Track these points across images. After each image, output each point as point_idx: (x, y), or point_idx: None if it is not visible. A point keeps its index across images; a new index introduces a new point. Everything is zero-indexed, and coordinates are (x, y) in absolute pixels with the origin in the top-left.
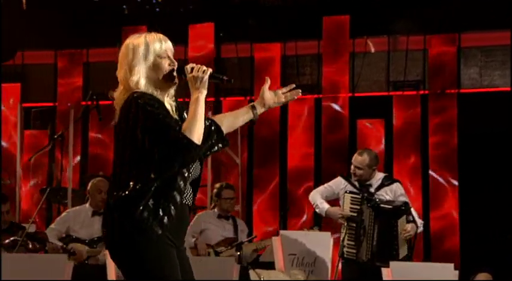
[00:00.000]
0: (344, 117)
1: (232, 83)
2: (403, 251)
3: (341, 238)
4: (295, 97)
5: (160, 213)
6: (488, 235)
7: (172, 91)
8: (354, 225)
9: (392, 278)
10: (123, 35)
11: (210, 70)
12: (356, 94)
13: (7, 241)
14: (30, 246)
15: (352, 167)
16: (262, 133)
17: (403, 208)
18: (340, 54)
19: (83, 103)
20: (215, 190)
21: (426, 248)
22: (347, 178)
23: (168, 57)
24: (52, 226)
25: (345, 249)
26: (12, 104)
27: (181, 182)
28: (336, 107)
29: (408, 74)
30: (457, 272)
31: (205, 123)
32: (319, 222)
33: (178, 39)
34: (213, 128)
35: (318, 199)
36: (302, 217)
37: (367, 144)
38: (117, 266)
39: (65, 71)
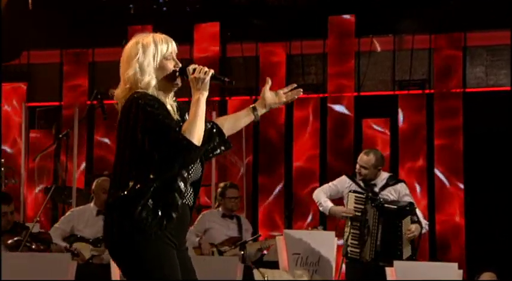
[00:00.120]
0: (349, 117)
1: (233, 84)
2: (407, 251)
3: (344, 238)
4: (296, 97)
5: (160, 213)
6: (494, 235)
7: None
8: (358, 224)
9: (396, 277)
10: (129, 35)
11: (212, 71)
12: (361, 93)
13: (10, 241)
14: (34, 247)
15: (357, 166)
16: (268, 134)
17: (408, 208)
18: (345, 53)
19: (89, 103)
20: (219, 189)
21: (432, 249)
22: (352, 177)
23: (173, 58)
24: (56, 225)
25: (349, 248)
26: (18, 103)
27: (181, 183)
28: (341, 107)
29: (414, 74)
30: (461, 271)
31: (206, 126)
32: (324, 224)
33: (184, 38)
34: (214, 130)
35: (322, 197)
36: (307, 219)
37: (373, 144)
38: (117, 265)
39: (70, 71)
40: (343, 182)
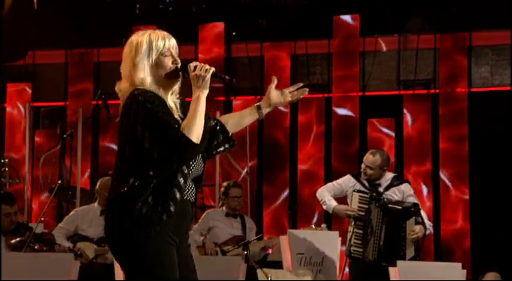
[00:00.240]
0: (354, 119)
1: (233, 83)
2: (410, 252)
3: (348, 237)
4: (301, 96)
5: (159, 209)
6: (498, 235)
7: (176, 88)
8: (361, 224)
9: (399, 277)
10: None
11: (213, 69)
12: (366, 93)
13: (13, 241)
14: (37, 247)
15: (363, 166)
16: (272, 138)
17: (413, 209)
18: (350, 53)
19: (94, 103)
20: (222, 189)
21: (437, 252)
22: (356, 176)
23: (172, 55)
24: (60, 224)
25: (352, 248)
26: (22, 104)
27: (181, 179)
28: (346, 110)
29: (419, 73)
30: (464, 271)
31: (210, 123)
32: (329, 225)
33: (189, 39)
34: (218, 128)
35: (326, 195)
36: (312, 222)
37: (378, 147)
38: (117, 261)
39: (75, 71)
40: (347, 181)
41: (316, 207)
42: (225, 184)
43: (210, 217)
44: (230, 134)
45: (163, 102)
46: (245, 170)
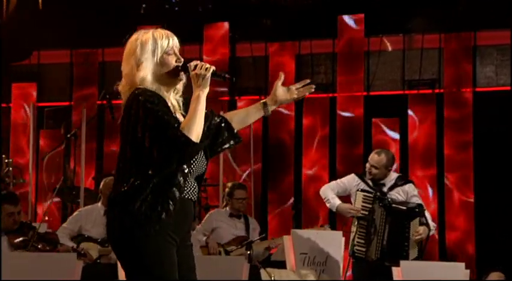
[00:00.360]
0: (359, 118)
1: (234, 81)
2: (413, 253)
3: (351, 237)
4: (307, 93)
5: (159, 208)
6: (503, 235)
7: (179, 87)
8: (365, 223)
9: (402, 277)
10: None
11: (213, 68)
12: (371, 93)
13: (17, 240)
14: (40, 246)
15: (368, 165)
16: (277, 137)
17: (417, 209)
18: (355, 53)
19: (99, 102)
20: (227, 189)
21: (442, 253)
22: (361, 175)
23: (175, 53)
24: (64, 225)
25: (355, 247)
26: (27, 103)
27: (181, 178)
28: (351, 109)
29: (423, 73)
30: (468, 271)
31: (215, 120)
32: (334, 226)
33: (194, 38)
34: (223, 125)
35: (329, 193)
36: (316, 222)
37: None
38: (118, 260)
39: (80, 71)
40: (351, 180)
41: (320, 208)
42: (229, 184)
43: (213, 218)
44: (235, 130)
45: (163, 102)
46: (246, 172)
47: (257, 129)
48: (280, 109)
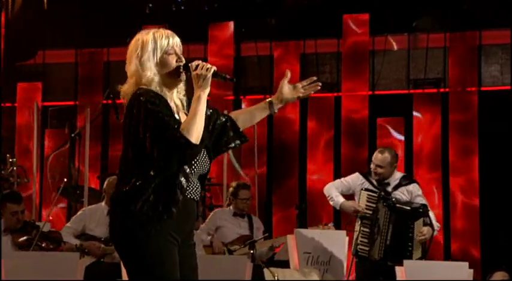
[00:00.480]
0: (364, 117)
1: (234, 82)
2: (417, 253)
3: (354, 236)
4: (312, 92)
5: (160, 209)
6: (508, 235)
7: (182, 86)
8: (368, 223)
9: (405, 277)
10: None
11: (214, 68)
12: (376, 92)
13: (21, 239)
14: (44, 245)
15: (372, 166)
16: (281, 140)
17: (421, 210)
18: (359, 52)
19: (104, 102)
20: (231, 189)
21: (446, 254)
22: (365, 174)
23: (176, 53)
24: (68, 224)
25: (358, 247)
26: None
27: (183, 179)
28: (356, 108)
29: (428, 72)
30: (471, 271)
31: (220, 119)
32: (339, 226)
33: (199, 38)
34: (228, 124)
35: (333, 191)
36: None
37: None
38: (120, 259)
39: (85, 70)
40: (356, 179)
41: (325, 207)
42: (234, 184)
43: (217, 217)
44: (241, 130)
45: (165, 102)
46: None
47: (262, 132)
48: (284, 111)
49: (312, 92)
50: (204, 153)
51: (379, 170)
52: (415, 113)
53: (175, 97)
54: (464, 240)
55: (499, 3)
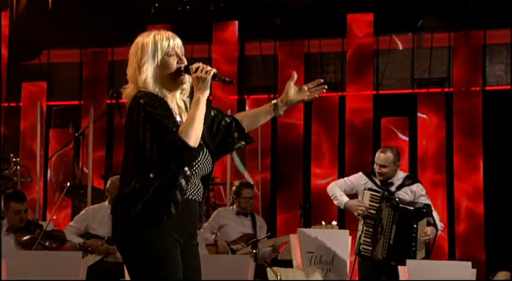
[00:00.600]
0: (368, 118)
1: (233, 84)
2: (421, 253)
3: (357, 235)
4: (317, 96)
5: (160, 211)
6: None
7: (186, 87)
8: (372, 222)
9: (408, 276)
10: None
11: (214, 71)
12: (380, 92)
13: (24, 238)
14: (47, 244)
15: (376, 166)
16: (286, 139)
17: (425, 210)
18: (364, 52)
19: (108, 101)
20: (234, 188)
21: (451, 255)
22: (369, 174)
23: (177, 54)
24: (71, 223)
25: (361, 246)
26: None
27: (183, 181)
28: (360, 108)
29: (433, 72)
30: (474, 270)
31: (225, 120)
32: (342, 226)
33: (203, 37)
34: (233, 125)
35: (337, 191)
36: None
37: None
38: (123, 261)
39: (90, 70)
40: (359, 179)
41: (329, 207)
42: (237, 183)
43: (220, 216)
44: (246, 131)
45: (164, 105)
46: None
47: (266, 134)
48: (289, 112)
49: (317, 96)
50: (206, 154)
51: (383, 170)
52: (419, 114)
53: (179, 99)
54: (468, 241)
55: (503, 2)
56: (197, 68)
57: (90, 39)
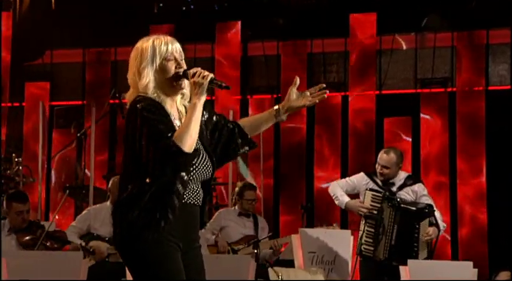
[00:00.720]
0: (371, 118)
1: (230, 89)
2: (423, 254)
3: (359, 236)
4: (317, 101)
5: (157, 216)
6: None
7: (187, 92)
8: (373, 223)
9: (410, 276)
10: (151, 34)
11: (211, 76)
12: (383, 92)
13: (26, 238)
14: (49, 244)
15: (378, 167)
16: (289, 141)
17: (427, 210)
18: (367, 51)
19: (111, 101)
20: (237, 189)
21: (454, 255)
22: (370, 174)
23: (175, 59)
24: (73, 223)
25: (363, 246)
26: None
27: (180, 186)
28: (363, 108)
29: (436, 72)
30: (476, 270)
31: (228, 126)
32: (345, 226)
33: (206, 37)
34: (236, 130)
35: (338, 191)
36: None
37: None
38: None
39: (93, 70)
40: (360, 179)
41: (331, 208)
42: (240, 184)
43: (222, 216)
44: (249, 136)
45: (161, 110)
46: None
47: (268, 137)
48: (291, 116)
49: (317, 101)
50: (205, 159)
51: (385, 171)
52: (422, 115)
53: (179, 103)
54: (471, 244)
55: (506, 2)
56: (194, 73)
57: (93, 39)
